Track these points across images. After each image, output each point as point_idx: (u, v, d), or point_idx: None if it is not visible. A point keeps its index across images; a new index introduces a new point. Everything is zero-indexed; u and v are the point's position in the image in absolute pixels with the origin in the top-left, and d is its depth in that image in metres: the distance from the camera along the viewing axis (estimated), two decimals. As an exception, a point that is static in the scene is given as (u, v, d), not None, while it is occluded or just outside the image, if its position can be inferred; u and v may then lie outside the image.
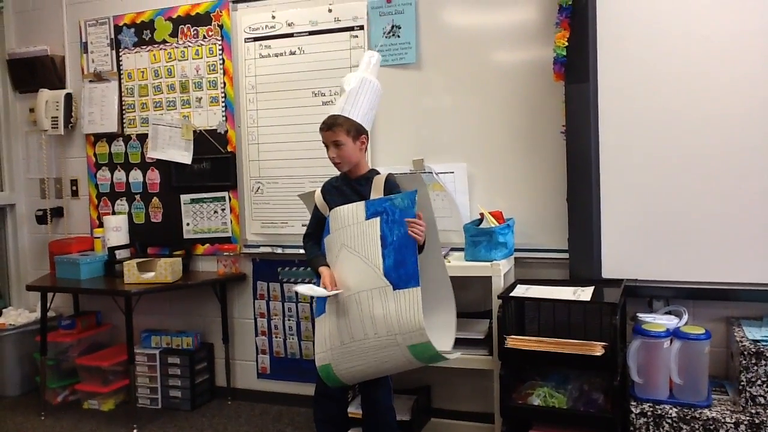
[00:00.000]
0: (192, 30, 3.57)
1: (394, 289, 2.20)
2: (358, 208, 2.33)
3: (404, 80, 3.12)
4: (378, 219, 2.28)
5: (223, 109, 3.53)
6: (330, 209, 2.42)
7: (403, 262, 2.21)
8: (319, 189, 2.55)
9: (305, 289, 2.33)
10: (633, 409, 2.38)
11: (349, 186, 2.46)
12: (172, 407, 3.54)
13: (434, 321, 2.40)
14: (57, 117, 3.84)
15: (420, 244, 2.26)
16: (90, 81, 3.84)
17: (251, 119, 3.44)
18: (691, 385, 2.37)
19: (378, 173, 2.48)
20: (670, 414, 2.33)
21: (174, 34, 3.62)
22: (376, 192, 2.39)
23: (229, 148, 3.53)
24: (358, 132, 2.41)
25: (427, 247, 2.37)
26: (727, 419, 2.28)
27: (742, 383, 2.32)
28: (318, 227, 2.50)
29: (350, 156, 2.42)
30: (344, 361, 2.28)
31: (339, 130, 2.38)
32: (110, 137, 3.83)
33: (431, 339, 2.18)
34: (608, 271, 2.73)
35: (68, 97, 3.87)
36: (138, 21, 3.70)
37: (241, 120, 3.47)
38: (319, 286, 2.35)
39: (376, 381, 2.39)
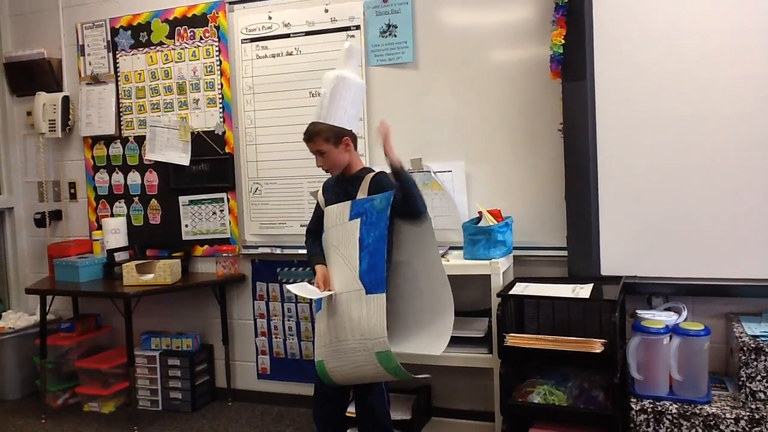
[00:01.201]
0: (189, 32, 3.57)
1: (367, 293, 2.20)
2: (344, 208, 2.34)
3: (401, 79, 3.12)
4: (359, 220, 2.27)
5: (221, 110, 3.53)
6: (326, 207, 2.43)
7: (375, 267, 2.21)
8: (321, 186, 2.56)
9: (297, 289, 2.33)
10: (633, 406, 2.37)
11: (341, 185, 2.46)
12: (173, 409, 3.54)
13: (431, 326, 2.36)
14: (54, 120, 3.83)
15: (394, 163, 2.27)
16: (87, 83, 3.84)
17: (249, 120, 3.44)
18: (691, 381, 2.37)
19: (371, 171, 2.45)
20: (671, 410, 2.33)
21: (171, 35, 3.61)
22: (363, 192, 2.37)
23: (227, 150, 3.52)
24: (338, 136, 2.37)
25: (427, 257, 2.36)
26: (727, 415, 2.28)
27: (742, 379, 2.32)
28: (318, 223, 2.50)
29: (336, 161, 2.40)
30: (332, 359, 2.29)
31: (318, 140, 2.36)
32: (108, 139, 3.82)
33: (423, 345, 2.17)
34: (607, 269, 2.73)
35: (65, 100, 3.86)
36: (134, 23, 3.69)
37: (239, 121, 3.47)
38: (314, 284, 2.36)
39: (369, 385, 2.39)
